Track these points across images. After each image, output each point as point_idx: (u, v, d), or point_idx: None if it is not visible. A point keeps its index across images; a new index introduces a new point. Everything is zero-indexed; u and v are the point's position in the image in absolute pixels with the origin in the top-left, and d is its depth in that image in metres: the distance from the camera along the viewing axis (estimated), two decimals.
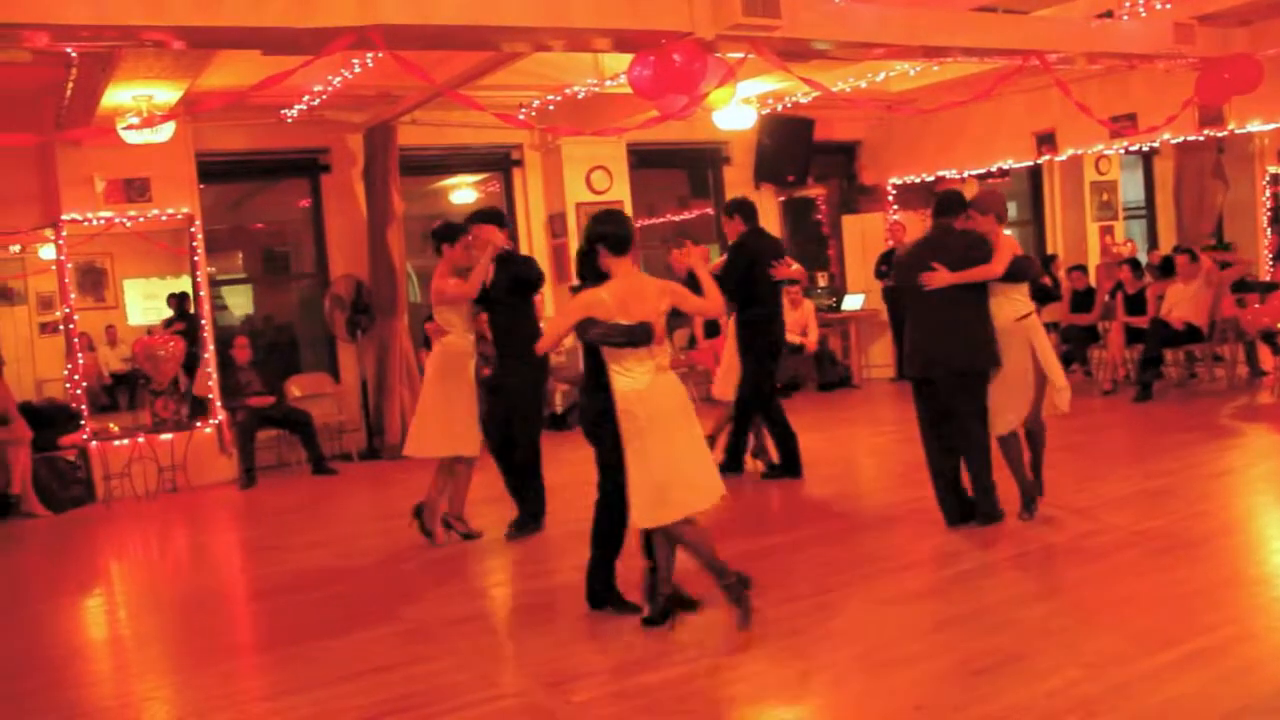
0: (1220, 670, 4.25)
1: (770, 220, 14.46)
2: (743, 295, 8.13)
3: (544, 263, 12.54)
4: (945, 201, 6.67)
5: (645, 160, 13.43)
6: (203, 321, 10.62)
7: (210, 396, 10.60)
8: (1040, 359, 6.43)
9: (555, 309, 11.98)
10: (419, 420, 7.15)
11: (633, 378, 4.96)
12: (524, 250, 12.77)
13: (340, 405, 11.65)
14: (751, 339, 8.25)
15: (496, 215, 7.39)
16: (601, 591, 5.47)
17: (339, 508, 9.27)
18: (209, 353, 10.63)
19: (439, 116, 11.39)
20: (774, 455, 8.51)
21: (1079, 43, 9.14)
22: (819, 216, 14.99)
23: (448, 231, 7.19)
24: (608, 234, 5.13)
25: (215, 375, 10.63)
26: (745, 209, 8.40)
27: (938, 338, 6.42)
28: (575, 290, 5.30)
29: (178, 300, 11.31)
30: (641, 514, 4.99)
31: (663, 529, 5.07)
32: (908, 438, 7.98)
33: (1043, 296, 12.94)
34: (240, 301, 12.92)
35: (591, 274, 5.20)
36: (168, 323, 11.20)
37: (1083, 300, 12.28)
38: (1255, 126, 11.60)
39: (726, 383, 8.55)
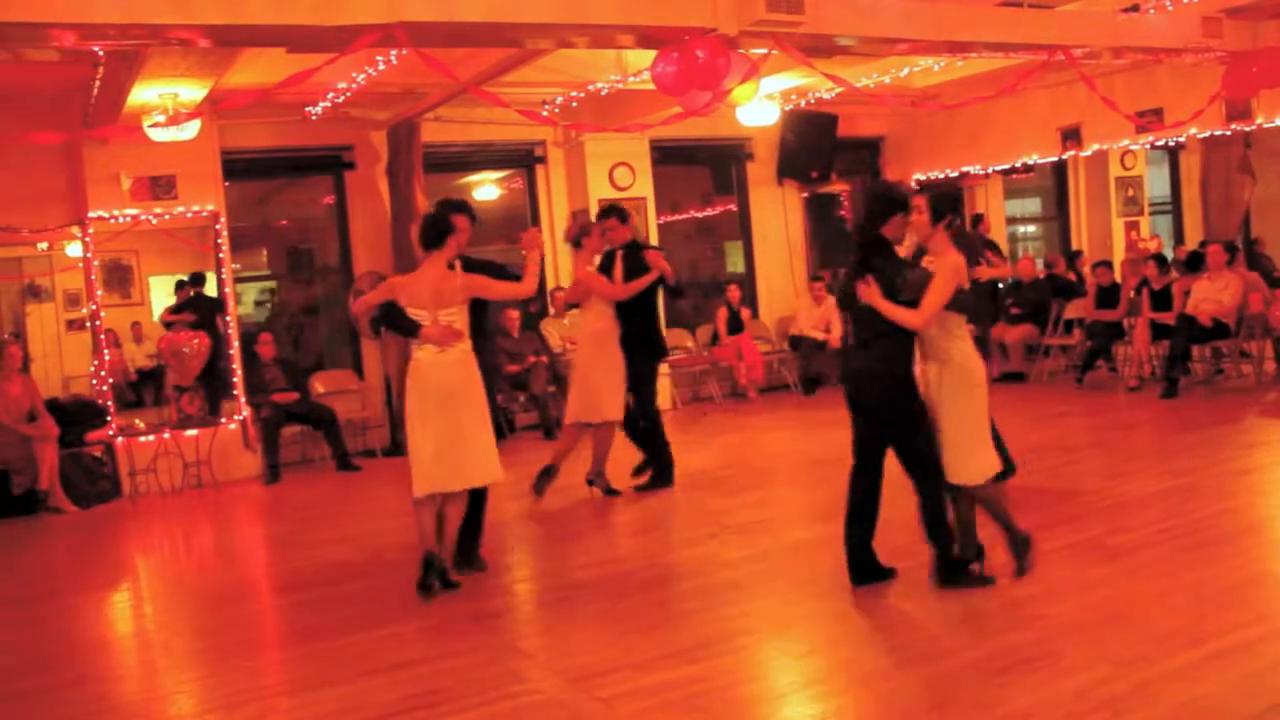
0: (1247, 669, 4.22)
1: (794, 216, 14.48)
2: None
3: (566, 260, 12.58)
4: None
5: (668, 156, 13.42)
6: (228, 318, 10.69)
7: (235, 392, 10.67)
8: None
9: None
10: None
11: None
12: (546, 246, 12.82)
13: (364, 401, 11.70)
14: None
15: (619, 211, 8.31)
16: (869, 564, 5.57)
17: (363, 504, 9.31)
18: (234, 349, 10.69)
19: (463, 113, 11.42)
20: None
21: (1105, 37, 9.08)
22: (843, 213, 14.95)
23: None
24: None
25: (240, 371, 10.69)
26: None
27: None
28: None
29: (190, 285, 11.25)
30: (962, 471, 5.31)
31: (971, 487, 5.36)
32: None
33: (1067, 292, 12.91)
34: (264, 298, 12.98)
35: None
36: (175, 309, 11.16)
37: (1108, 296, 12.21)
38: None
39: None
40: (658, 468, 8.44)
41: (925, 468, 5.36)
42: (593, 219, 8.49)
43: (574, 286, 8.37)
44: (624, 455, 8.44)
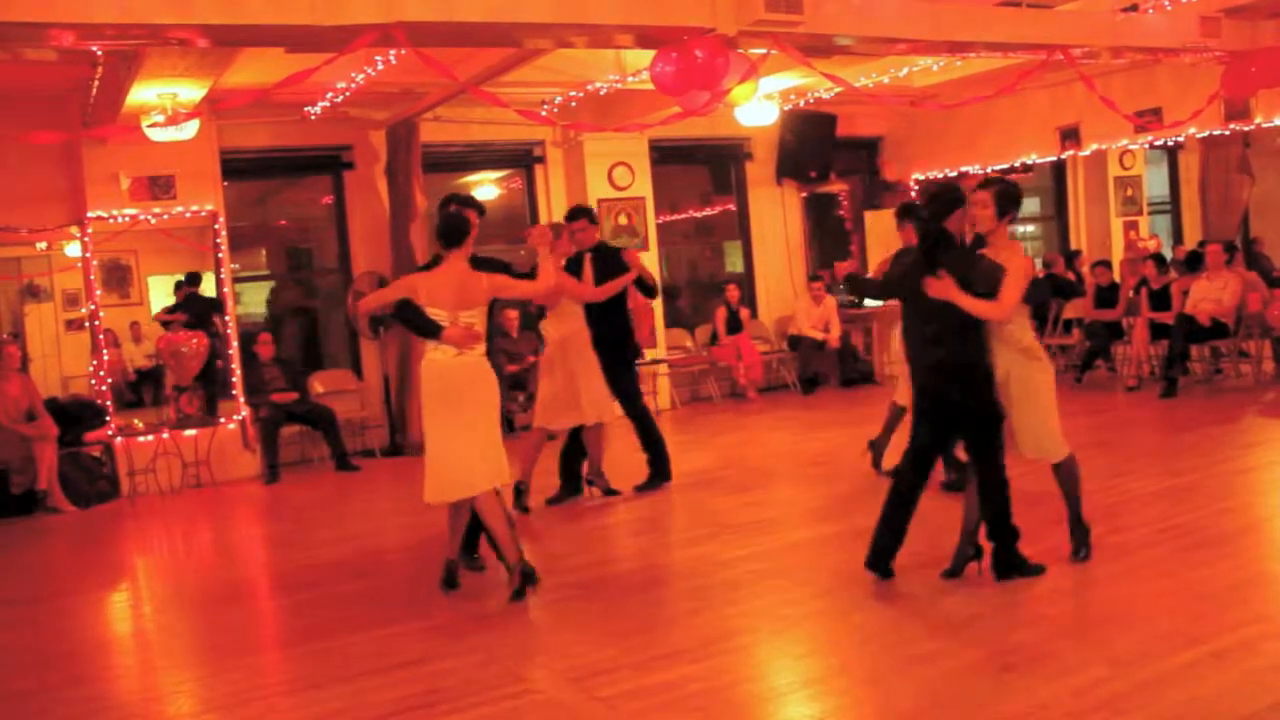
0: (1247, 668, 4.22)
1: (793, 216, 14.49)
2: None
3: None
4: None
5: (667, 156, 13.43)
6: (227, 318, 10.69)
7: (234, 392, 10.67)
8: None
9: None
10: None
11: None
12: None
13: (363, 401, 11.70)
14: None
15: (589, 213, 8.24)
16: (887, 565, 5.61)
17: (362, 503, 9.31)
18: (233, 349, 10.69)
19: (461, 113, 11.43)
20: None
21: (1103, 37, 9.09)
22: (841, 212, 14.96)
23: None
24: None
25: (239, 371, 10.69)
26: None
27: None
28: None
29: (185, 286, 11.25)
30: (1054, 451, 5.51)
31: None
32: None
33: (1066, 292, 12.91)
34: (263, 298, 12.98)
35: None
36: (169, 310, 11.18)
37: (1107, 296, 12.22)
38: None
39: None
40: (655, 465, 8.41)
41: (997, 464, 5.43)
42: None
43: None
44: (624, 457, 8.45)
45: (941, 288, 5.26)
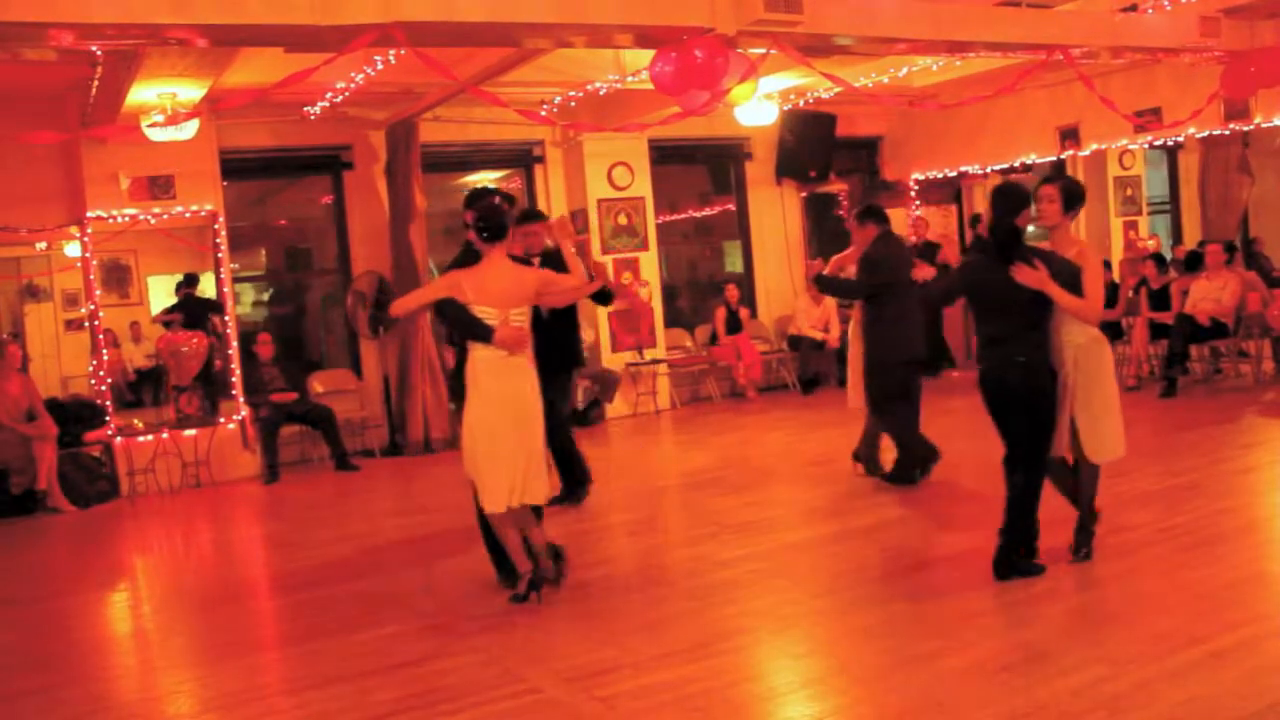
0: (1245, 668, 4.22)
1: (792, 216, 14.49)
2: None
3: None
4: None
5: (667, 156, 13.43)
6: (226, 318, 10.69)
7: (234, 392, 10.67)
8: None
9: None
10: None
11: None
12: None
13: (362, 401, 11.70)
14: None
15: (541, 216, 7.59)
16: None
17: (362, 503, 9.31)
18: (232, 349, 10.69)
19: (461, 113, 11.43)
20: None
21: (1103, 36, 9.09)
22: (841, 212, 14.95)
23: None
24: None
25: (238, 371, 10.69)
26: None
27: None
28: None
29: (183, 287, 11.22)
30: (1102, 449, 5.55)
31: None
32: (928, 434, 7.96)
33: None
34: (263, 298, 12.98)
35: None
36: (167, 311, 11.17)
37: (1106, 296, 12.17)
38: None
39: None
40: (569, 483, 7.95)
41: (1044, 461, 5.48)
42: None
43: None
44: (631, 459, 8.43)
45: (1036, 278, 5.25)
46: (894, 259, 7.88)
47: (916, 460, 7.83)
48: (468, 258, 5.83)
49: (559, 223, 6.18)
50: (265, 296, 12.94)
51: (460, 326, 5.64)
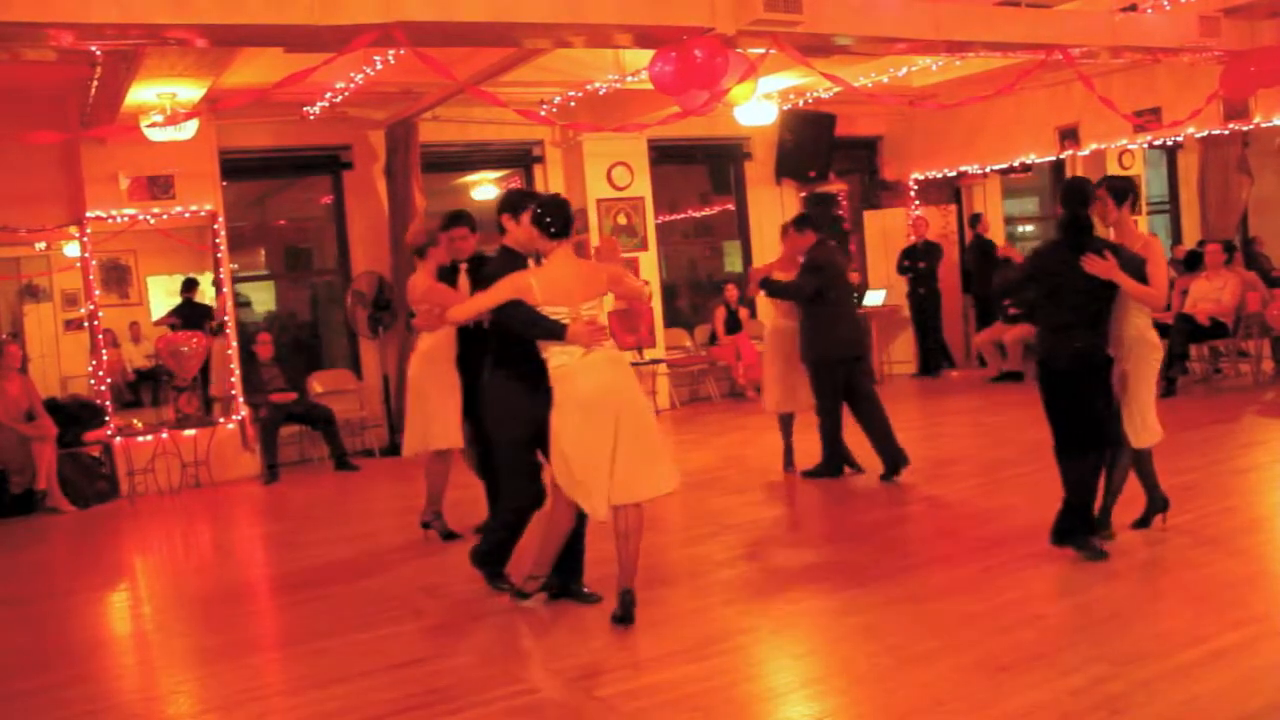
0: (1246, 668, 4.22)
1: (792, 216, 14.44)
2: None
3: None
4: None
5: (666, 156, 13.44)
6: (226, 318, 10.69)
7: (232, 393, 10.67)
8: None
9: None
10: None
11: None
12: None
13: (362, 401, 11.70)
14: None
15: (469, 219, 6.98)
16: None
17: (361, 503, 9.31)
18: (232, 349, 10.69)
19: (460, 113, 11.43)
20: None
21: (1103, 36, 9.10)
22: (840, 212, 14.96)
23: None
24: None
25: (238, 371, 10.68)
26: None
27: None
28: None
29: (182, 291, 11.25)
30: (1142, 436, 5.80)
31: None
32: (928, 435, 7.99)
33: None
34: (263, 298, 12.98)
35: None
36: (169, 314, 11.19)
37: None
38: None
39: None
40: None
41: (1093, 447, 5.68)
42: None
43: (420, 300, 7.14)
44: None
45: (1105, 268, 5.47)
46: (836, 262, 8.38)
47: (839, 460, 8.32)
48: (511, 263, 5.58)
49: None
50: (264, 297, 12.94)
51: (529, 328, 5.29)
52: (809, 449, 8.47)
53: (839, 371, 8.12)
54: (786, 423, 8.70)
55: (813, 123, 13.48)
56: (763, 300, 14.23)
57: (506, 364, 5.60)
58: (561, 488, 5.33)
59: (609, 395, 5.20)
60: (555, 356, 5.25)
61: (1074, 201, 5.71)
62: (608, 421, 5.16)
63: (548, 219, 5.31)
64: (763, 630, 5.20)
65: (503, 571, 5.93)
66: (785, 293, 8.36)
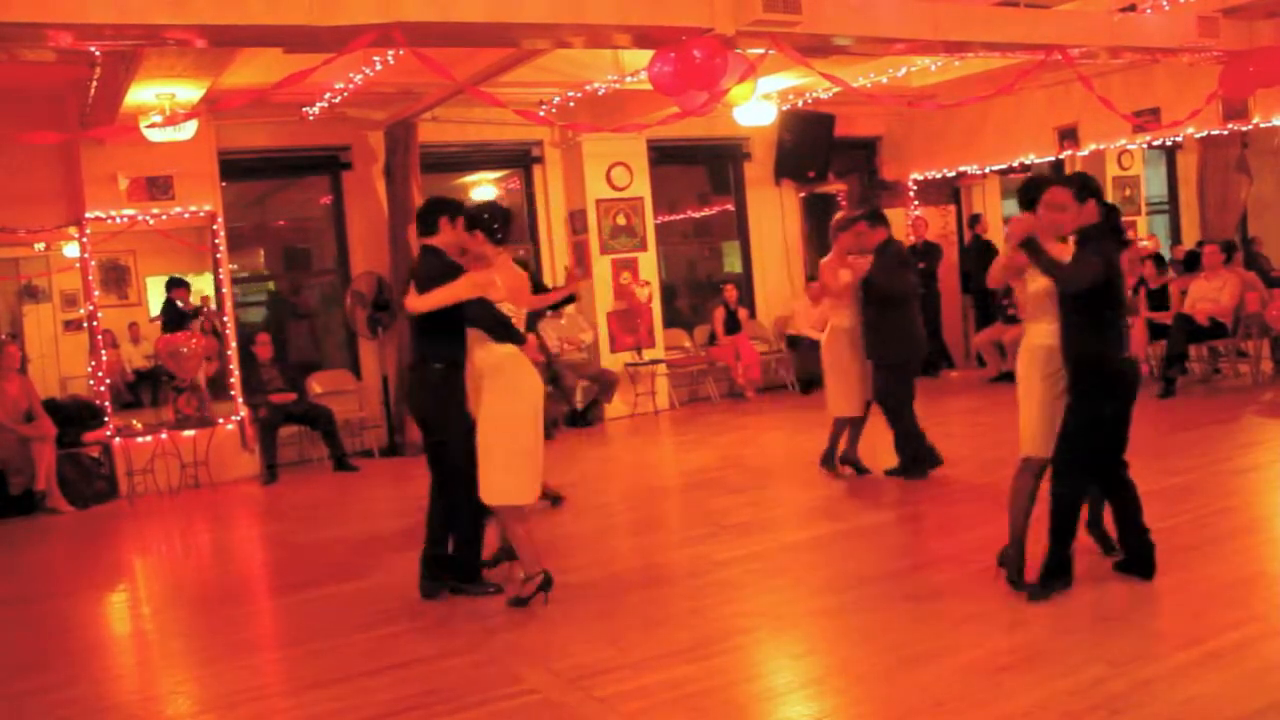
0: (1244, 668, 4.22)
1: (791, 216, 14.49)
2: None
3: (563, 258, 12.59)
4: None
5: (666, 156, 13.44)
6: (225, 319, 10.69)
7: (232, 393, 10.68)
8: None
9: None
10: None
11: None
12: (544, 246, 12.83)
13: (361, 402, 11.70)
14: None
15: None
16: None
17: (360, 504, 9.31)
18: (231, 349, 10.69)
19: (460, 113, 11.43)
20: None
21: (1101, 37, 9.10)
22: (840, 212, 14.95)
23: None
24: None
25: (238, 372, 10.69)
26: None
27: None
28: None
29: (169, 289, 11.15)
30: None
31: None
32: (928, 435, 7.97)
33: None
34: (262, 298, 12.98)
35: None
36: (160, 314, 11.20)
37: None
38: None
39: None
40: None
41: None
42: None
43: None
44: (630, 459, 8.43)
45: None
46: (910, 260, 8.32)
47: (924, 456, 8.00)
48: (444, 264, 5.69)
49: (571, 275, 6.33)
50: (264, 297, 12.94)
51: (491, 325, 5.56)
52: (816, 443, 8.47)
53: (918, 371, 8.28)
54: (857, 425, 8.32)
55: (812, 123, 13.48)
56: (763, 301, 14.32)
57: (439, 359, 5.80)
58: (497, 470, 5.57)
59: (539, 395, 5.70)
60: (502, 350, 5.60)
61: (1093, 187, 5.44)
62: (536, 417, 5.65)
63: (495, 225, 5.74)
64: (762, 631, 5.21)
65: (482, 575, 6.05)
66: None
